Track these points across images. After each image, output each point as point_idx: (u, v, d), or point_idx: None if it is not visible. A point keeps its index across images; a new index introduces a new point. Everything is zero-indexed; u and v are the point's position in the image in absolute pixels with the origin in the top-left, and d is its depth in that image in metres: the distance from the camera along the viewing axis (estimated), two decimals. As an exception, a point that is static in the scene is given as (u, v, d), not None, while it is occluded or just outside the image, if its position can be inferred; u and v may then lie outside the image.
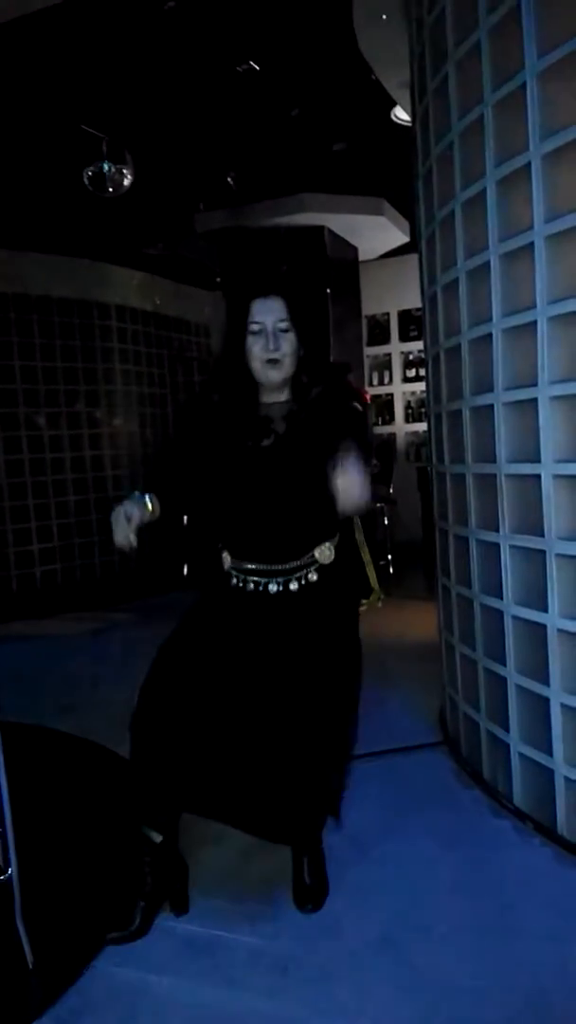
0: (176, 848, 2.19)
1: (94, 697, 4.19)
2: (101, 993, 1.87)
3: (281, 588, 2.01)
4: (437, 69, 2.74)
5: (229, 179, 5.40)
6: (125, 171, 4.27)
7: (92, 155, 4.35)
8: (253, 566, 2.03)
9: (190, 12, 3.67)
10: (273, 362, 1.97)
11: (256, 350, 1.97)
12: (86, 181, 4.34)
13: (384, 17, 3.25)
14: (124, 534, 1.86)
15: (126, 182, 4.49)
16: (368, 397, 7.03)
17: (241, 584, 2.05)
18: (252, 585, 2.03)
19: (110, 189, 4.49)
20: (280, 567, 2.02)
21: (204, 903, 2.19)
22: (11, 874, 1.95)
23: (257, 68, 4.18)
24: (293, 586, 2.02)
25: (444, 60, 2.66)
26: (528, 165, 2.26)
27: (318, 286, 6.79)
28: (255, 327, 1.97)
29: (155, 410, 8.41)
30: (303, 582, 2.03)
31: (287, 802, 2.04)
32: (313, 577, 2.03)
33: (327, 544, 2.06)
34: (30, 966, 1.94)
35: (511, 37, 2.29)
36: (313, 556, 2.04)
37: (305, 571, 2.03)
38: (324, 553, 2.05)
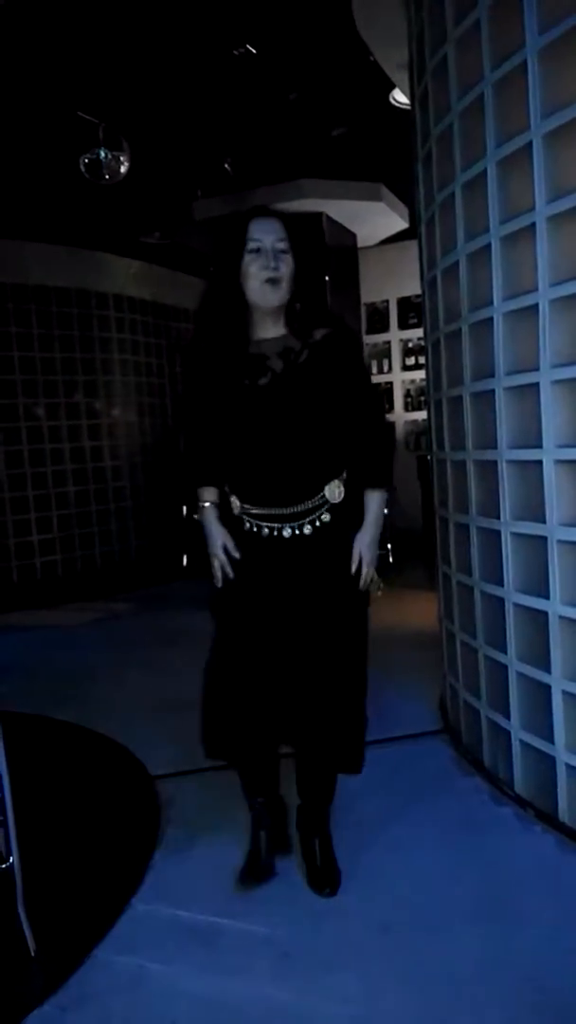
0: (279, 796, 2.33)
1: (93, 687, 4.19)
2: (103, 981, 1.86)
3: (296, 532, 1.98)
4: (436, 48, 2.70)
5: (226, 165, 5.35)
6: (122, 158, 4.24)
7: (88, 142, 4.31)
8: (263, 511, 1.99)
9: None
10: (272, 281, 1.90)
11: (254, 268, 1.90)
12: (83, 168, 4.29)
13: (381, -5, 3.21)
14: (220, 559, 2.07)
15: (123, 169, 4.45)
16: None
17: (255, 529, 2.02)
18: (266, 530, 2.00)
19: (107, 176, 4.44)
20: (291, 510, 1.97)
21: (205, 890, 2.19)
22: (13, 862, 1.94)
23: (254, 52, 4.13)
24: (307, 530, 1.99)
25: (443, 39, 2.62)
26: (529, 145, 2.23)
27: (316, 273, 6.74)
28: (253, 245, 1.90)
29: (154, 400, 8.39)
30: (317, 524, 1.99)
31: (332, 729, 2.09)
32: (326, 518, 1.99)
33: (336, 482, 2.00)
34: (32, 954, 1.94)
35: (511, 14, 2.25)
36: (323, 496, 1.99)
37: (318, 513, 1.98)
38: (334, 491, 2.00)
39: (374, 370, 8.69)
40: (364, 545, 2.03)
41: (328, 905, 2.08)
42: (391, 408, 8.65)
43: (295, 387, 1.94)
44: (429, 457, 3.32)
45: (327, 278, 6.77)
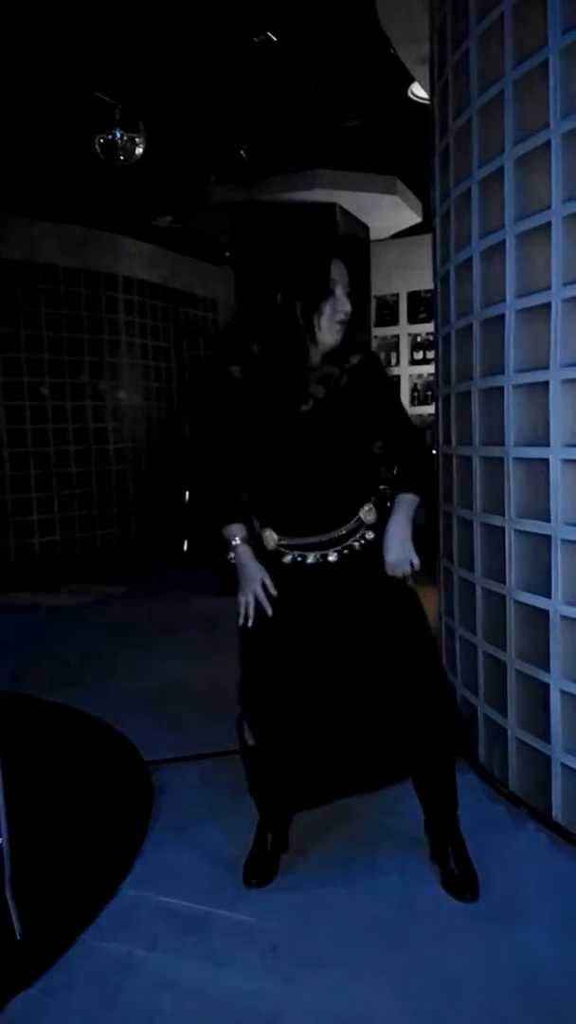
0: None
1: (88, 670, 4.19)
2: (89, 967, 1.86)
3: (344, 553, 1.97)
4: (458, 44, 2.68)
5: (242, 151, 5.32)
6: (137, 140, 4.21)
7: (105, 123, 4.28)
8: (302, 540, 1.98)
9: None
10: (343, 323, 1.96)
11: (329, 310, 1.93)
12: (98, 149, 4.26)
13: (405, -11, 3.19)
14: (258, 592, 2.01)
15: (138, 151, 4.42)
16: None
17: (299, 559, 1.99)
18: (312, 558, 1.98)
19: (121, 158, 4.41)
20: (330, 536, 1.97)
21: (195, 878, 2.19)
22: (1, 843, 1.94)
23: (275, 39, 4.10)
24: (356, 546, 1.98)
25: (465, 35, 2.60)
26: (548, 143, 2.20)
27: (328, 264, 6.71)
28: (332, 287, 1.94)
29: (160, 384, 8.37)
30: (362, 541, 1.99)
31: (410, 728, 2.02)
32: (371, 536, 2.00)
33: (368, 506, 2.02)
34: (17, 937, 1.94)
35: (535, 13, 2.23)
36: (359, 519, 1.99)
37: (360, 532, 1.99)
38: (368, 515, 2.01)
39: (382, 362, 8.65)
40: (392, 540, 1.98)
41: (319, 899, 2.08)
42: (397, 401, 8.62)
43: (337, 412, 1.96)
44: (434, 451, 3.31)
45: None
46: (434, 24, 3.05)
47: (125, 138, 4.18)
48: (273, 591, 1.99)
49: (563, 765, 2.30)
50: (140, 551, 7.97)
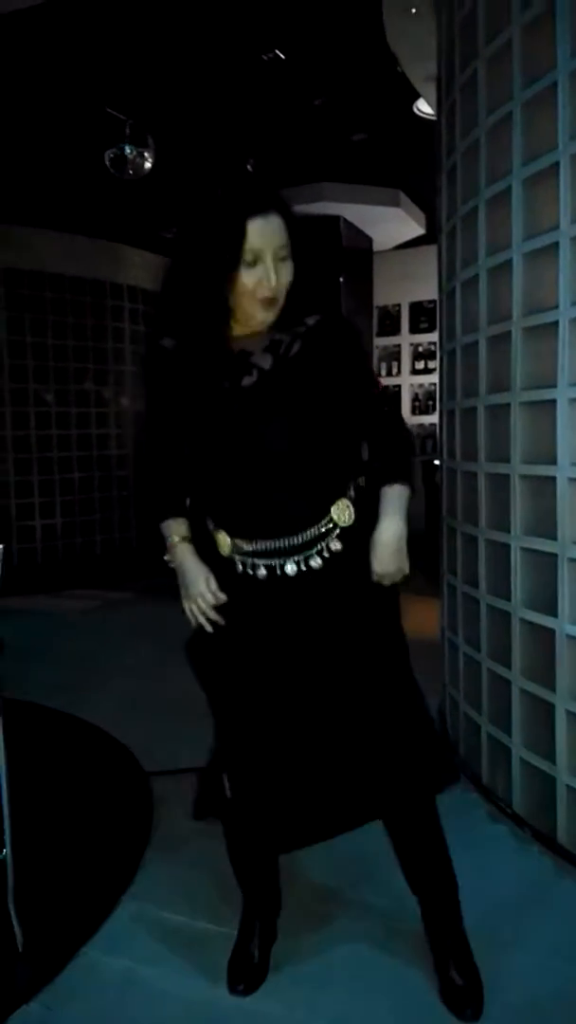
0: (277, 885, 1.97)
1: (89, 677, 4.18)
2: (90, 981, 1.86)
3: (303, 567, 1.60)
4: (466, 64, 2.70)
5: (248, 166, 5.36)
6: (146, 154, 4.23)
7: (115, 137, 4.31)
8: (260, 546, 1.62)
9: (220, 0, 3.63)
10: (270, 301, 1.53)
11: (250, 284, 1.50)
12: (107, 163, 4.29)
13: (414, 11, 3.22)
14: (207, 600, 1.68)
15: (147, 165, 4.44)
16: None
17: (251, 571, 1.64)
18: (264, 570, 1.62)
19: (130, 172, 4.43)
20: (294, 541, 1.60)
21: (195, 893, 2.18)
22: (5, 855, 1.94)
23: (283, 57, 4.13)
24: (316, 563, 1.61)
25: (474, 56, 2.62)
26: (556, 165, 2.22)
27: (331, 275, 6.75)
28: (251, 256, 1.49)
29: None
30: (325, 555, 1.61)
31: (388, 763, 1.72)
32: (336, 546, 1.62)
33: (344, 501, 1.65)
34: (20, 949, 1.94)
35: (543, 36, 2.24)
36: (331, 519, 1.62)
37: (326, 540, 1.62)
38: (342, 513, 1.64)
39: (382, 372, 8.69)
40: (384, 549, 1.62)
41: (320, 919, 2.05)
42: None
43: (289, 384, 1.58)
44: (436, 463, 3.31)
45: (341, 280, 6.78)
46: (442, 45, 3.07)
47: (134, 152, 4.21)
48: (220, 596, 1.66)
49: (568, 787, 2.29)
50: (141, 556, 7.98)
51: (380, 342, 8.68)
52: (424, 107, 4.91)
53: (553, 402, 2.27)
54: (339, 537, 1.63)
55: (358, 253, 7.25)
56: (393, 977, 1.86)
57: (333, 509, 1.63)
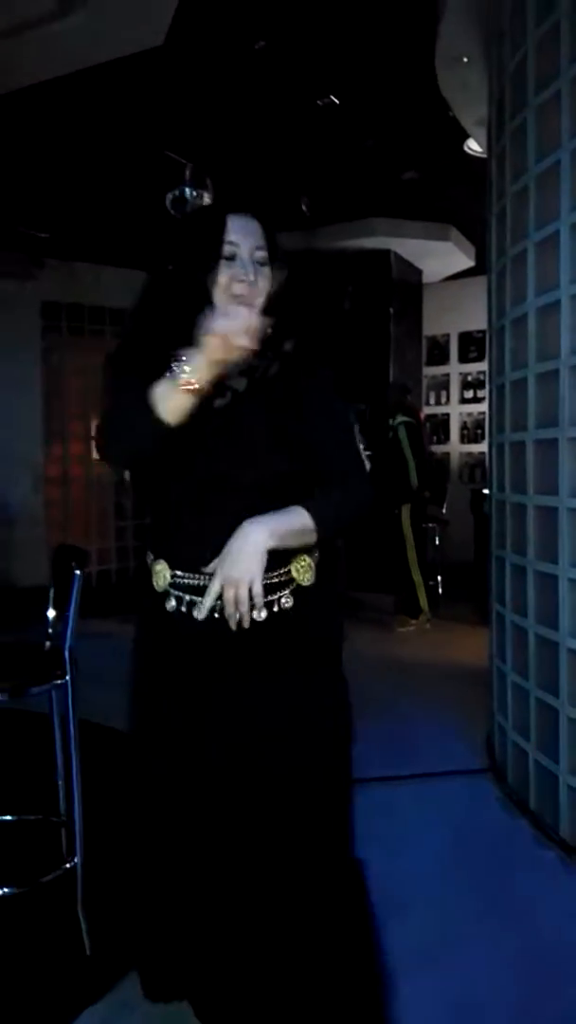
0: None
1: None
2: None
3: (259, 615, 1.39)
4: (516, 113, 2.82)
5: (303, 206, 5.53)
6: (205, 196, 4.43)
7: (175, 179, 4.53)
8: (202, 581, 1.40)
9: (279, 51, 3.81)
10: (243, 299, 1.42)
11: (224, 279, 1.42)
12: (168, 204, 4.50)
13: (465, 60, 3.35)
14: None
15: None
16: (423, 415, 7.09)
17: (185, 609, 1.43)
18: (203, 611, 1.38)
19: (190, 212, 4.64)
20: None
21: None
22: (76, 863, 2.06)
23: (337, 102, 4.30)
24: (259, 615, 1.39)
25: (524, 105, 2.74)
26: (603, 211, 2.32)
27: (381, 307, 6.89)
28: (228, 249, 1.43)
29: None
30: (275, 609, 1.42)
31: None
32: (287, 603, 1.44)
33: (306, 558, 1.46)
34: (87, 952, 2.04)
35: (592, 87, 2.36)
36: (287, 572, 1.44)
37: (278, 594, 1.43)
38: (302, 571, 1.46)
39: (431, 401, 8.76)
40: (236, 544, 1.35)
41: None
42: (447, 439, 8.72)
43: (263, 406, 1.44)
44: (484, 491, 3.38)
45: (391, 311, 6.91)
46: (492, 94, 3.20)
47: (194, 194, 4.41)
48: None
49: (614, 811, 2.34)
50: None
51: (429, 371, 8.76)
52: (474, 145, 5.03)
53: (600, 438, 2.35)
54: (293, 593, 1.45)
55: (408, 285, 7.37)
56: None
57: (293, 563, 1.45)
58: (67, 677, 2.07)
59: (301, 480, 1.46)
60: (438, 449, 8.63)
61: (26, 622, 5.30)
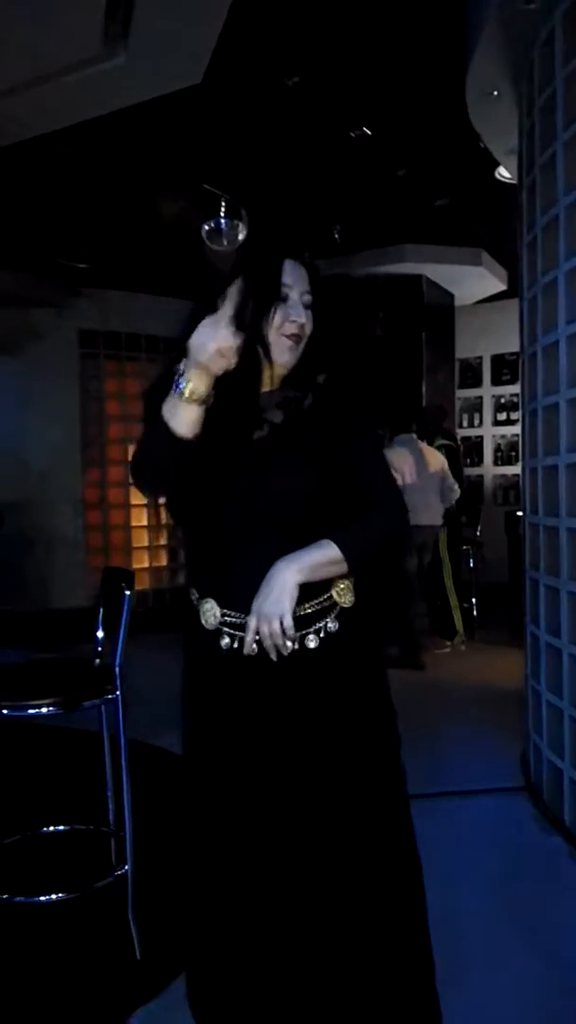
0: None
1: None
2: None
3: (295, 645, 1.43)
4: (546, 146, 2.91)
5: (336, 233, 5.66)
6: (240, 226, 4.57)
7: (211, 210, 4.68)
8: (245, 619, 1.43)
9: (312, 86, 3.95)
10: (296, 338, 1.49)
11: (277, 319, 1.47)
12: (203, 235, 4.66)
13: (495, 93, 3.45)
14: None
15: (240, 236, 4.78)
16: (458, 438, 7.15)
17: (236, 645, 1.47)
18: (249, 646, 1.41)
19: (225, 243, 4.78)
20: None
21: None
22: (127, 870, 2.14)
23: (369, 133, 4.44)
24: (311, 642, 1.46)
25: (553, 138, 2.83)
26: (631, 241, 2.40)
27: (413, 331, 6.99)
28: (283, 291, 1.48)
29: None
30: (323, 635, 1.48)
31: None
32: (333, 627, 1.49)
33: (345, 582, 1.52)
34: (138, 957, 2.12)
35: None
36: (330, 597, 1.50)
37: (324, 620, 1.49)
38: (343, 594, 1.52)
39: (464, 423, 8.81)
40: (269, 585, 1.39)
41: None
42: (480, 461, 8.76)
43: (300, 438, 1.50)
44: (519, 513, 3.44)
45: (423, 335, 7.01)
46: (523, 126, 3.29)
47: (229, 225, 4.55)
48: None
49: None
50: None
51: (462, 394, 8.82)
52: (505, 173, 5.12)
53: (631, 461, 2.42)
54: (338, 617, 1.50)
55: (440, 309, 7.47)
56: None
57: (334, 588, 1.50)
58: (117, 692, 2.16)
59: (337, 511, 1.49)
60: (472, 472, 8.66)
61: (69, 642, 5.45)
